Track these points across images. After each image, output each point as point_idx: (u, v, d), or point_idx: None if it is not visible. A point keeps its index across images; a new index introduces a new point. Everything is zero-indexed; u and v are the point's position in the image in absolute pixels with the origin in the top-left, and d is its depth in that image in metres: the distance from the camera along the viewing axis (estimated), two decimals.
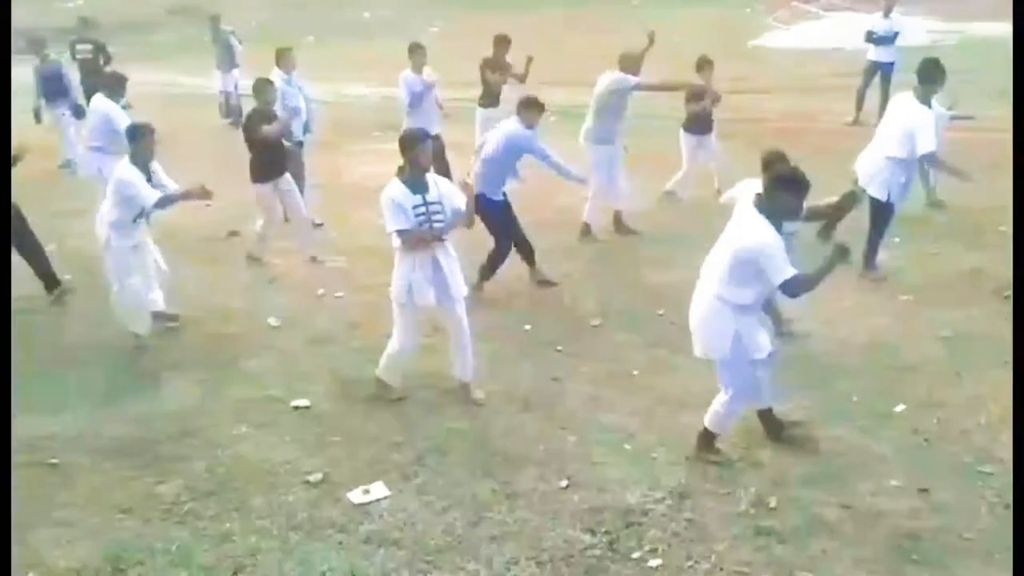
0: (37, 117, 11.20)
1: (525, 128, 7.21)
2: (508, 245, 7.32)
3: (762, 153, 5.90)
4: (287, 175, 8.13)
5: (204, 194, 6.33)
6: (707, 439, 4.96)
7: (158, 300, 6.69)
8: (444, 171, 8.31)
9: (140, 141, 6.31)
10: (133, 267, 6.45)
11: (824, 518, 4.45)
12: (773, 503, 4.55)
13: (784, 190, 4.49)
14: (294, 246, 8.33)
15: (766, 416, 5.11)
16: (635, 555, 4.23)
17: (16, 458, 5.06)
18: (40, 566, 4.22)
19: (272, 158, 7.98)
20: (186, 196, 6.35)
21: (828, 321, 6.47)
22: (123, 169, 6.28)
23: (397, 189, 5.34)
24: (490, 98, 10.22)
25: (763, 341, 4.73)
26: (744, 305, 4.62)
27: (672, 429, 5.18)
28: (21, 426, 5.36)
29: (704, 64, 9.36)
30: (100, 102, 8.53)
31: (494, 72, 10.09)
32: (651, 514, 4.51)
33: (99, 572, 4.17)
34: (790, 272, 4.41)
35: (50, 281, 7.38)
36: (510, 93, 9.79)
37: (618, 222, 8.77)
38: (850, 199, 6.32)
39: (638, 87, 8.34)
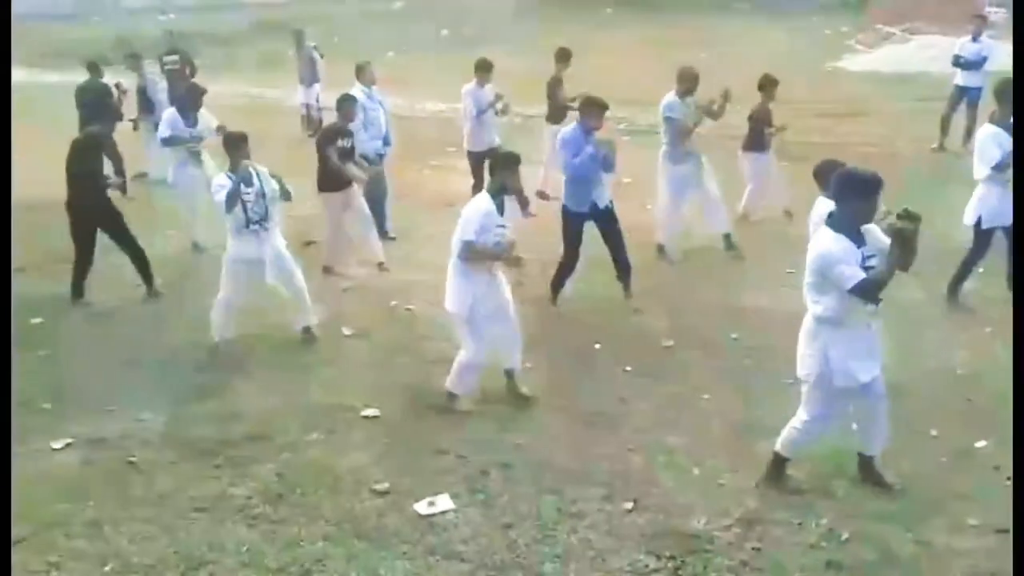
0: (135, 125, 11.68)
1: (583, 131, 7.08)
2: (576, 256, 7.31)
3: (813, 168, 5.86)
4: (354, 187, 8.30)
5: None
6: (778, 464, 4.86)
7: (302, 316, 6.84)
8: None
9: (232, 150, 6.54)
10: (235, 279, 6.61)
11: (898, 554, 4.32)
12: (845, 536, 4.44)
13: (850, 195, 4.38)
14: (368, 256, 8.46)
15: (865, 464, 4.88)
16: None
17: (97, 454, 5.28)
18: (116, 559, 4.35)
19: (340, 170, 8.16)
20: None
21: (907, 352, 6.27)
22: (216, 177, 6.57)
23: (489, 205, 5.47)
24: (556, 114, 10.31)
25: (856, 368, 4.50)
26: (832, 320, 4.47)
27: (743, 456, 5.09)
28: (103, 423, 5.58)
29: (767, 83, 9.28)
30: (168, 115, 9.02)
31: (557, 89, 10.22)
32: (718, 541, 4.44)
33: (172, 569, 4.28)
34: (857, 276, 4.30)
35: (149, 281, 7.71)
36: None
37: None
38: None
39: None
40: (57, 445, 5.34)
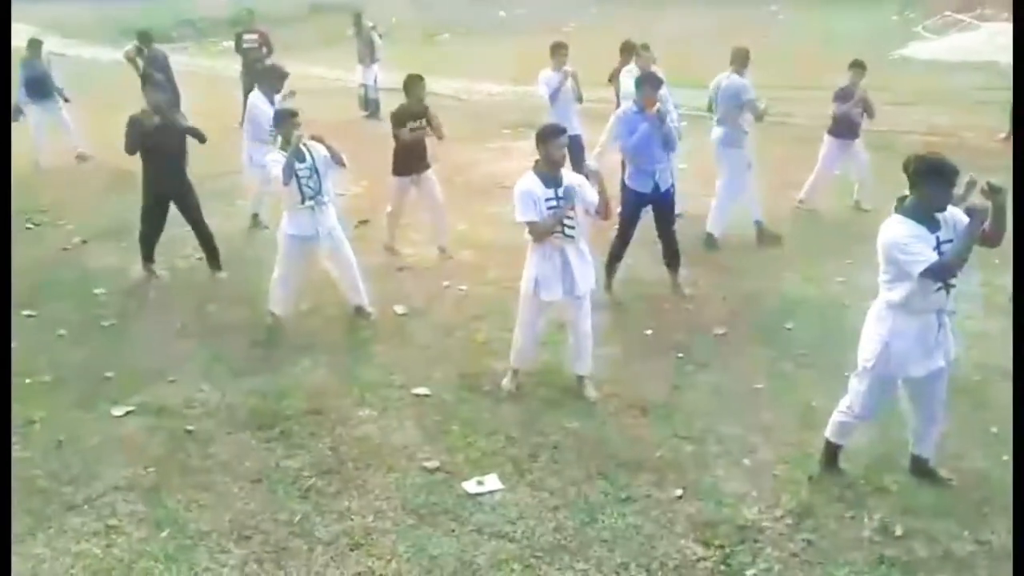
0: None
1: (636, 108, 7.00)
2: (628, 238, 7.23)
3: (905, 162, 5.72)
4: (429, 171, 8.18)
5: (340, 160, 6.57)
6: (830, 452, 4.80)
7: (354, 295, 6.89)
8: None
9: (282, 126, 6.57)
10: (289, 255, 6.64)
11: (955, 552, 4.23)
12: (899, 531, 4.36)
13: (924, 180, 4.25)
14: (424, 237, 8.50)
15: (919, 464, 4.78)
16: (749, 572, 4.13)
17: (156, 423, 5.40)
18: (173, 525, 4.45)
19: (413, 154, 8.04)
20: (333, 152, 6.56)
21: (968, 345, 6.12)
22: (269, 154, 6.59)
23: (531, 181, 5.40)
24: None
25: (912, 361, 4.41)
26: (903, 307, 4.35)
27: (795, 446, 5.03)
28: (162, 393, 5.72)
29: (856, 67, 9.08)
30: (254, 97, 8.81)
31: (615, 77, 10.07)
32: (768, 532, 4.39)
33: (226, 536, 4.37)
34: (927, 261, 4.16)
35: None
36: None
37: (761, 232, 8.49)
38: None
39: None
40: (118, 412, 5.48)
